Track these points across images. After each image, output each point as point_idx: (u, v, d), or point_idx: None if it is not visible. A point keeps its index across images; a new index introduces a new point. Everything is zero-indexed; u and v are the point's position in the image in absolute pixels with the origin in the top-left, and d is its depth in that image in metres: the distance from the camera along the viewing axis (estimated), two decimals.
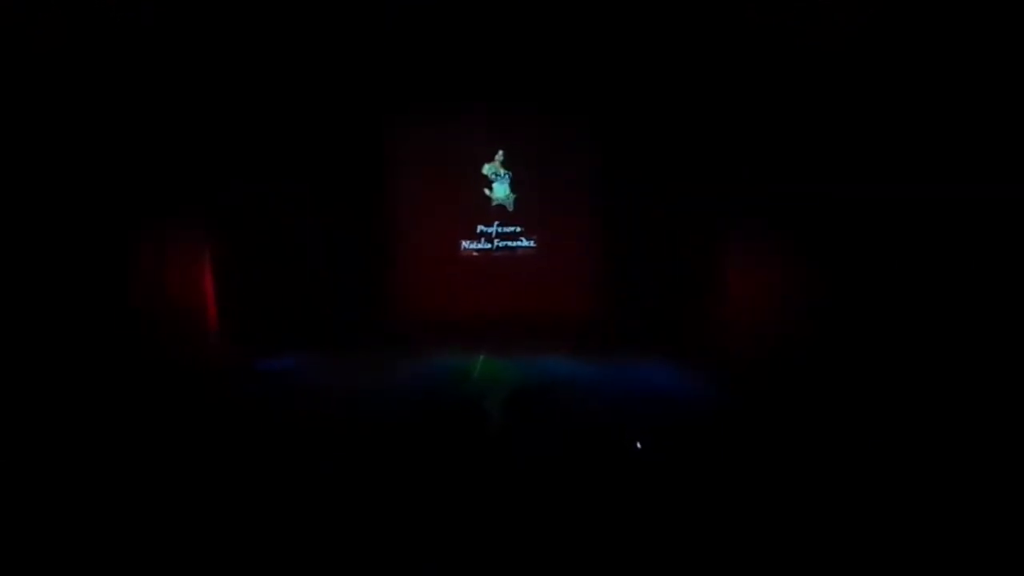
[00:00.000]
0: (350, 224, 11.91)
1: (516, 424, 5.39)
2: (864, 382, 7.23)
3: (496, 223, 12.37)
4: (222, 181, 10.48)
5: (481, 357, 10.42)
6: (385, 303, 12.07)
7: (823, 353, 8.14)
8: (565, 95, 11.61)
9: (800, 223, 8.67)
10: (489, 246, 12.34)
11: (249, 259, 11.14)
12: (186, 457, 5.95)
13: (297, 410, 7.90)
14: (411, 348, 10.73)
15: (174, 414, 7.47)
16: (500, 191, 12.27)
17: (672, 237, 11.49)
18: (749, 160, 9.47)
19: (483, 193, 12.27)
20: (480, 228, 12.37)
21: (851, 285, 8.00)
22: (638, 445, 5.23)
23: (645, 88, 11.20)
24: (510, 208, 12.36)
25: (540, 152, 12.19)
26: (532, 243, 12.39)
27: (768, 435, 6.50)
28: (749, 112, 9.49)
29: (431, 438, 5.54)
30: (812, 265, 8.58)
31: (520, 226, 12.37)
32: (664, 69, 10.62)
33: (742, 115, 9.62)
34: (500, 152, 12.24)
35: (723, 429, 6.80)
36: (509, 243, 12.34)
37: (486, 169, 12.24)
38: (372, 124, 11.96)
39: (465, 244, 12.38)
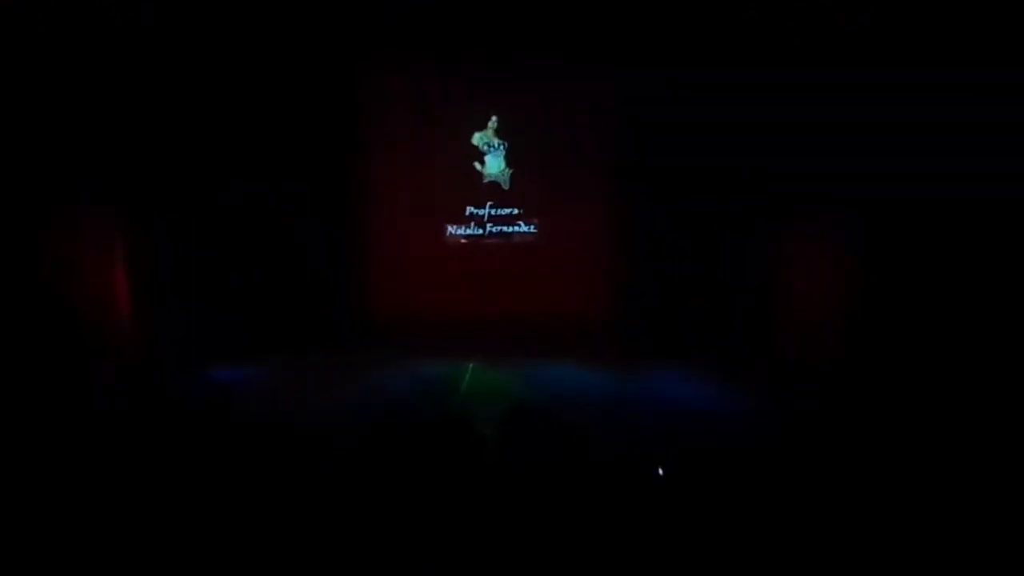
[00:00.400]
0: (309, 204, 11.04)
1: (513, 449, 3.92)
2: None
3: (488, 204, 11.46)
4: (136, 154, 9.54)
5: (470, 366, 9.74)
6: (353, 300, 11.30)
7: (898, 363, 7.60)
8: (578, 40, 10.47)
9: (880, 216, 8.02)
10: (480, 232, 11.48)
11: (180, 251, 10.27)
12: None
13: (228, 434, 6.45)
14: (383, 354, 10.07)
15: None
16: (493, 165, 11.38)
17: (711, 223, 10.55)
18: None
19: (473, 168, 11.34)
20: (469, 210, 11.46)
21: (940, 289, 7.38)
22: (660, 471, 4.20)
23: (686, 29, 9.92)
24: (505, 186, 11.44)
25: (543, 117, 11.21)
26: (532, 229, 11.47)
27: (832, 464, 5.19)
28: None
29: (400, 469, 4.04)
30: (894, 264, 7.93)
31: (518, 208, 11.44)
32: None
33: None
34: (493, 118, 11.26)
35: (775, 452, 5.63)
36: (504, 228, 11.48)
37: (476, 139, 11.31)
38: (337, 74, 10.90)
39: (451, 229, 11.50)
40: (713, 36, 9.64)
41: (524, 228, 11.50)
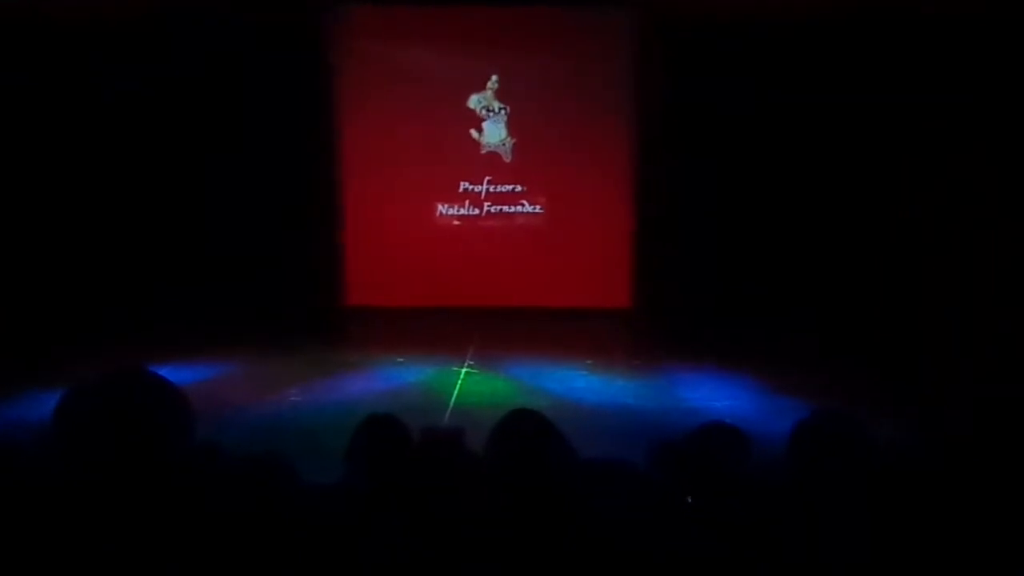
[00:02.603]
0: (274, 178, 10.51)
1: (509, 469, 3.36)
2: None
3: (487, 180, 11.02)
4: None
5: (462, 371, 9.10)
6: (326, 289, 10.96)
7: None
8: None
9: None
10: (476, 212, 11.11)
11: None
12: None
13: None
14: (359, 355, 9.68)
15: None
16: (493, 134, 10.95)
17: (761, 194, 10.23)
18: None
19: (469, 136, 10.92)
20: (464, 186, 11.05)
21: None
22: (689, 499, 3.65)
23: None
24: (507, 158, 11.00)
25: (551, 76, 10.73)
26: (538, 209, 11.08)
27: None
28: None
29: (381, 502, 3.58)
30: None
31: (521, 184, 11.05)
32: None
33: None
34: (493, 77, 10.80)
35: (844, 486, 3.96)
36: (505, 208, 11.08)
37: (473, 102, 10.87)
38: (303, 27, 10.41)
39: (442, 208, 11.10)
40: None
41: (528, 208, 11.13)
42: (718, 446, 3.60)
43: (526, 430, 3.14)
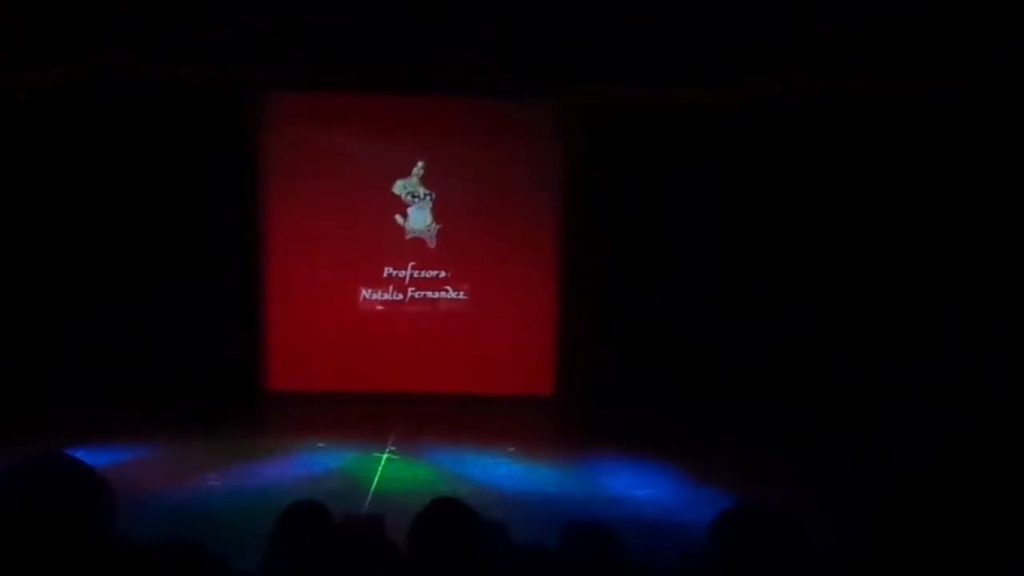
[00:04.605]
0: (197, 260, 10.48)
1: (429, 560, 3.48)
2: None
3: (411, 265, 11.04)
4: None
5: (385, 455, 8.99)
6: (252, 373, 10.85)
7: None
8: (516, 71, 9.50)
9: None
10: (400, 297, 11.09)
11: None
12: None
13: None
14: (278, 439, 9.51)
15: None
16: (418, 219, 11.01)
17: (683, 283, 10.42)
18: None
19: (394, 222, 10.97)
20: (388, 271, 11.05)
21: None
22: None
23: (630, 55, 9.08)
24: (432, 243, 11.07)
25: (477, 163, 10.89)
26: (462, 295, 11.11)
27: None
28: None
29: None
30: None
31: (445, 270, 11.09)
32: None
33: None
34: (419, 164, 10.87)
35: None
36: (429, 294, 11.09)
37: (399, 188, 10.92)
38: (228, 116, 10.41)
39: (366, 294, 11.05)
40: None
41: (452, 294, 11.14)
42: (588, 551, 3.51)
43: (448, 521, 3.14)
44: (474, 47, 9.10)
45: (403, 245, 10.94)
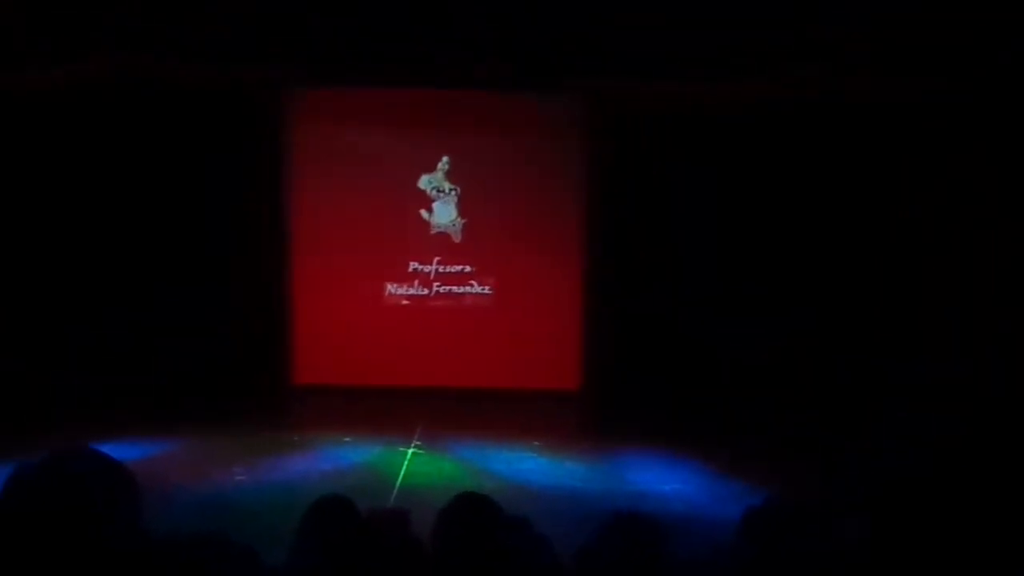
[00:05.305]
0: (225, 257, 10.58)
1: (454, 555, 3.55)
2: None
3: (436, 260, 11.01)
4: None
5: (410, 449, 9.00)
6: (278, 368, 10.85)
7: None
8: (542, 66, 9.66)
9: None
10: (425, 292, 11.06)
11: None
12: None
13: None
14: (304, 433, 9.55)
15: None
16: (443, 214, 10.98)
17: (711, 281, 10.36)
18: None
19: (419, 217, 10.94)
20: (413, 266, 11.03)
21: None
22: None
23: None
24: (456, 239, 11.04)
25: (502, 158, 10.84)
26: (487, 290, 11.07)
27: None
28: None
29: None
30: None
31: (470, 265, 11.05)
32: None
33: None
34: (445, 159, 10.85)
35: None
36: (454, 289, 11.06)
37: (424, 182, 10.89)
38: (257, 112, 10.43)
39: (391, 288, 11.02)
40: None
41: (477, 288, 11.09)
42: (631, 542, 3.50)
43: (472, 515, 3.16)
44: (476, 43, 9.28)
45: (428, 240, 10.93)
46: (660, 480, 8.26)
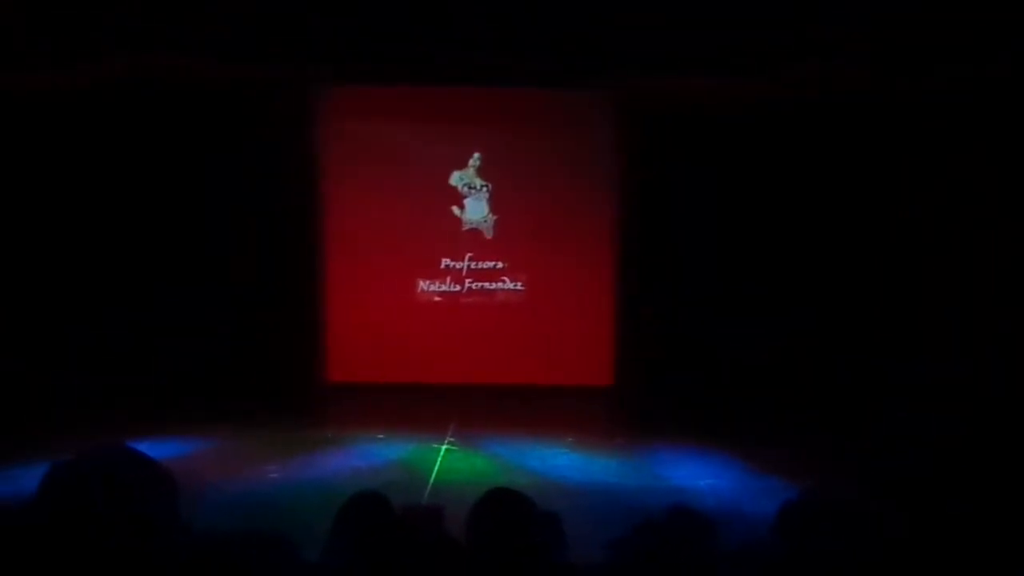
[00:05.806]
0: (259, 255, 10.57)
1: (487, 551, 3.44)
2: None
3: (468, 256, 10.98)
4: None
5: (444, 446, 8.96)
6: (312, 366, 10.84)
7: None
8: (574, 62, 9.57)
9: None
10: (457, 288, 11.02)
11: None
12: None
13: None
14: (337, 430, 9.57)
15: None
16: (475, 211, 10.95)
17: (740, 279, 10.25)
18: None
19: (450, 213, 10.93)
20: (446, 263, 11.01)
21: None
22: None
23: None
24: (488, 235, 11.01)
25: (534, 154, 10.82)
26: (519, 286, 11.02)
27: None
28: None
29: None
30: None
31: (502, 261, 11.02)
32: None
33: None
34: (476, 155, 10.82)
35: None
36: (486, 285, 11.01)
37: (456, 179, 10.87)
38: (291, 110, 10.42)
39: (423, 285, 11.00)
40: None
41: (509, 285, 11.04)
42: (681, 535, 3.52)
43: (504, 511, 3.12)
44: (506, 40, 9.20)
45: (460, 236, 10.89)
46: (694, 475, 8.19)
